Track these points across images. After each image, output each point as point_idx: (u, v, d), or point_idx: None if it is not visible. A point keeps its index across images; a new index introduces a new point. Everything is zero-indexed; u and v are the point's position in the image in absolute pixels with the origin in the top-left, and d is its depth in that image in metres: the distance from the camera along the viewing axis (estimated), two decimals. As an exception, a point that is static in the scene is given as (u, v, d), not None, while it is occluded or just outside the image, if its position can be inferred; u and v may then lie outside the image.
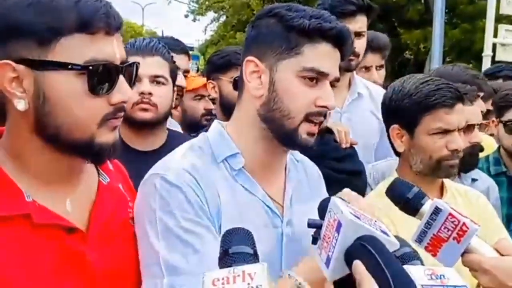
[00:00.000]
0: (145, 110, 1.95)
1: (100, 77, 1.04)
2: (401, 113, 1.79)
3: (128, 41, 2.07)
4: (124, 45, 1.95)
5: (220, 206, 1.23)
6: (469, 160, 2.08)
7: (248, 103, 1.30)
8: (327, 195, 1.54)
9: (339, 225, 0.91)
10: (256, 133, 1.30)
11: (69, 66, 1.01)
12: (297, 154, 1.48)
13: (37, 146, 1.06)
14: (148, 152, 2.00)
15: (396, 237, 1.03)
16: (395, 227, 1.61)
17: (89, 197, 1.18)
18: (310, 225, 1.04)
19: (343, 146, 2.09)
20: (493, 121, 2.57)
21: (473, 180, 2.29)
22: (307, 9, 1.27)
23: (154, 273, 1.16)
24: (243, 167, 1.29)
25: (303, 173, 1.47)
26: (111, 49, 1.06)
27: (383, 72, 3.21)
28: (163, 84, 1.99)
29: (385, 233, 0.92)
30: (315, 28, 1.23)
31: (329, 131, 2.07)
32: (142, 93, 1.94)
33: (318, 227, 1.01)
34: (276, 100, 1.25)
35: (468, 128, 2.09)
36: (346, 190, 1.20)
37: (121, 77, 1.08)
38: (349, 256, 0.89)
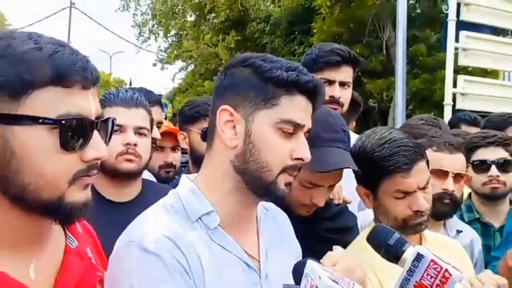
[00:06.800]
0: (130, 161, 1.93)
1: (74, 132, 0.99)
2: (363, 175, 1.79)
3: (104, 91, 2.07)
4: (103, 95, 1.98)
5: (203, 271, 1.17)
6: (439, 207, 2.09)
7: (221, 153, 1.27)
8: (297, 243, 1.52)
9: None
10: (230, 185, 1.26)
11: (40, 120, 0.96)
12: (265, 202, 1.44)
13: (2, 206, 1.00)
14: (123, 203, 1.96)
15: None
16: (377, 276, 1.59)
17: (56, 262, 1.10)
18: None
19: (336, 202, 2.04)
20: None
21: (458, 231, 2.29)
22: (282, 60, 1.26)
23: None
24: (218, 224, 1.25)
25: (273, 221, 1.44)
26: (86, 103, 1.02)
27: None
28: (145, 135, 2.00)
29: None
30: (293, 80, 1.22)
31: None
32: (128, 144, 1.92)
33: None
34: (253, 151, 1.22)
35: (443, 174, 2.14)
36: (330, 254, 1.16)
37: (96, 133, 1.04)
38: None
